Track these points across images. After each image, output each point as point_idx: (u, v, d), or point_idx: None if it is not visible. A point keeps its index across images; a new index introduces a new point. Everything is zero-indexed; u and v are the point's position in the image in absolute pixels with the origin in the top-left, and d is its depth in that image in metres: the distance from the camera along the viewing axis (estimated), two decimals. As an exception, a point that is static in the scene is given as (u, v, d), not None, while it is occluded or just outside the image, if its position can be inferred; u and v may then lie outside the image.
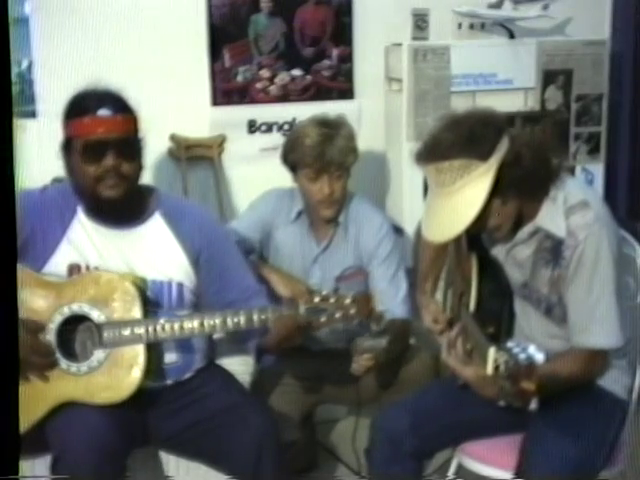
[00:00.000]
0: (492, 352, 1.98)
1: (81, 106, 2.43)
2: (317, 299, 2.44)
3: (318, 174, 2.98)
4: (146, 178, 2.62)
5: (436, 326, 2.57)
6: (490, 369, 1.98)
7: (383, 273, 3.07)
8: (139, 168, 2.51)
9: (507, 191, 2.28)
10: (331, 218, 3.08)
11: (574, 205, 2.33)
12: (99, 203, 2.48)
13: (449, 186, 2.26)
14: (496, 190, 2.25)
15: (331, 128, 3.02)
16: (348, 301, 2.43)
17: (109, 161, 2.41)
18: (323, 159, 2.96)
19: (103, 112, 2.40)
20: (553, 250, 2.37)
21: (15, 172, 2.00)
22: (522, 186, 2.29)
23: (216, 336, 2.71)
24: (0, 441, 1.93)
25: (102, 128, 2.41)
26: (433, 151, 2.30)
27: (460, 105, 3.23)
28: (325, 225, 3.12)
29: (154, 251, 2.57)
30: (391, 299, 3.01)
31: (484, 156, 2.23)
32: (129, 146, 2.46)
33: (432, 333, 2.60)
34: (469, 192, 2.24)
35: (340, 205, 3.07)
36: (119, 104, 2.45)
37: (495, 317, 2.48)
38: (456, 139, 2.25)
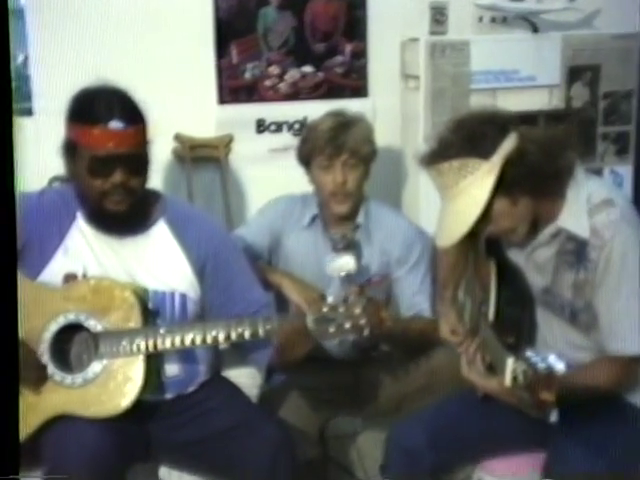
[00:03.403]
0: (510, 362, 1.99)
1: (90, 113, 2.41)
2: (325, 308, 2.41)
3: (331, 160, 2.99)
4: (149, 180, 2.59)
5: (454, 338, 2.57)
6: (508, 380, 1.99)
7: (413, 279, 3.09)
8: (146, 179, 2.51)
9: (515, 190, 2.28)
10: (344, 215, 3.06)
11: (598, 204, 2.33)
12: (103, 215, 2.49)
13: (452, 188, 2.28)
14: (503, 189, 2.26)
15: (348, 118, 3.04)
16: (358, 311, 2.40)
17: (117, 177, 2.41)
18: (336, 143, 2.97)
19: (115, 125, 2.38)
20: (577, 252, 2.36)
21: (15, 173, 1.99)
22: (530, 184, 2.29)
23: (222, 346, 2.69)
24: (0, 441, 1.95)
25: (113, 142, 2.39)
26: (434, 153, 2.32)
27: (480, 103, 3.24)
28: (343, 228, 3.10)
29: (157, 260, 2.57)
30: (421, 303, 3.04)
31: (485, 154, 2.24)
32: (139, 160, 2.46)
33: (450, 344, 2.60)
34: (472, 192, 2.26)
35: (354, 202, 3.06)
36: (131, 114, 2.43)
37: (515, 326, 2.49)
38: (456, 139, 2.28)
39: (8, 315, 1.93)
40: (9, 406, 1.95)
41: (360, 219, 3.10)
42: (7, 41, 1.93)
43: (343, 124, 3.01)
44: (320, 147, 3.00)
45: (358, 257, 3.06)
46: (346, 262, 2.92)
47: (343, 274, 2.95)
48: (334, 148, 2.98)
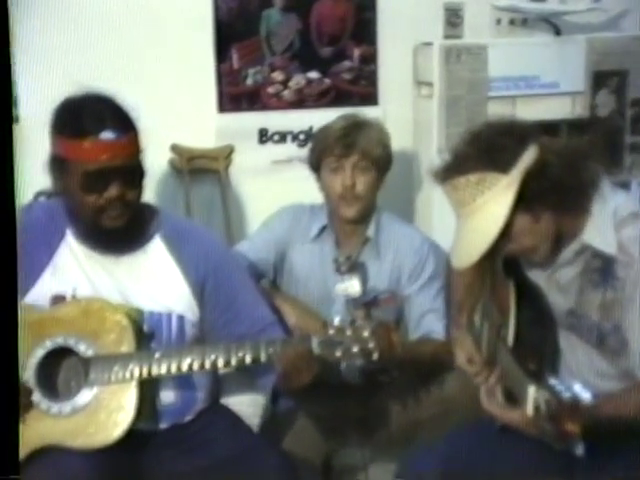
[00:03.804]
0: (532, 390, 1.98)
1: (78, 124, 2.39)
2: (331, 331, 2.42)
3: (341, 160, 3.01)
4: (144, 193, 2.58)
5: (471, 367, 2.55)
6: (530, 409, 1.98)
7: (425, 297, 3.09)
8: (142, 191, 2.51)
9: (536, 205, 2.26)
10: (353, 218, 3.07)
11: (625, 217, 2.31)
12: (98, 232, 2.49)
13: (469, 204, 2.27)
14: (523, 205, 2.24)
15: (361, 119, 3.08)
16: (366, 333, 2.40)
17: (113, 192, 2.40)
18: (346, 142, 3.00)
19: (106, 135, 2.37)
20: (603, 270, 2.33)
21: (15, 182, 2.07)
22: (553, 199, 2.27)
23: (222, 371, 2.68)
24: (0, 441, 1.99)
25: (106, 155, 2.38)
26: (449, 168, 2.31)
27: (498, 112, 3.23)
28: (352, 241, 3.12)
29: (152, 279, 2.56)
30: (433, 324, 3.04)
31: (504, 168, 2.22)
32: (134, 172, 2.46)
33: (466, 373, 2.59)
34: (490, 208, 2.24)
35: (364, 206, 3.07)
36: (122, 123, 2.43)
37: (536, 351, 2.45)
38: (473, 152, 2.26)
39: (8, 315, 2.01)
40: (9, 406, 2.00)
41: (370, 232, 3.11)
42: (7, 41, 2.03)
43: (355, 124, 3.05)
44: (330, 147, 3.03)
45: (365, 276, 3.08)
46: (350, 285, 2.95)
47: (348, 295, 2.98)
48: (344, 148, 3.01)
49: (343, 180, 3.01)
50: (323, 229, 3.14)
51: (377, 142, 3.05)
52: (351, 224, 3.10)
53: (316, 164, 3.10)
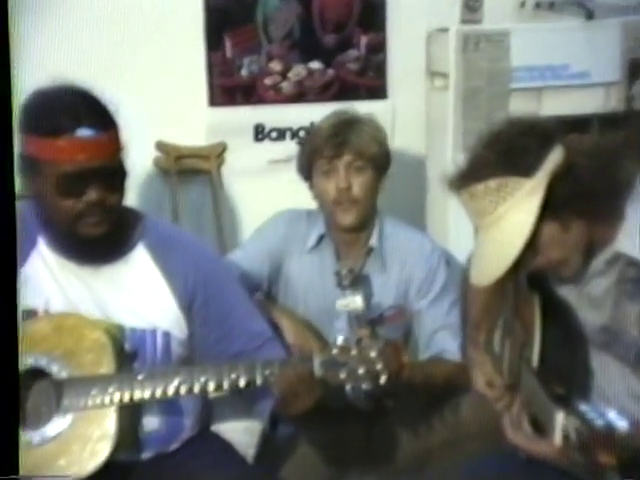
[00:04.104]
0: (560, 418, 1.98)
1: (52, 121, 2.37)
2: (335, 350, 2.41)
3: (333, 161, 3.00)
4: (126, 197, 2.56)
5: (491, 391, 2.55)
6: (558, 438, 1.98)
7: (436, 312, 3.08)
8: (124, 194, 2.50)
9: (565, 213, 2.25)
10: (351, 226, 3.05)
11: None
12: (74, 240, 2.47)
13: (490, 214, 2.25)
14: (550, 212, 2.22)
15: (352, 115, 3.07)
16: (374, 354, 2.39)
17: (92, 195, 2.38)
18: (337, 140, 2.98)
19: (83, 132, 2.34)
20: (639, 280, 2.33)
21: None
22: (584, 205, 2.25)
23: (213, 395, 2.65)
24: (0, 442, 2.03)
25: (83, 154, 2.36)
26: (466, 174, 2.30)
27: (522, 107, 3.21)
28: (354, 251, 3.11)
29: (135, 292, 2.55)
30: (446, 342, 3.03)
31: (528, 171, 2.21)
32: (115, 173, 2.44)
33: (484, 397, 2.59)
34: (514, 217, 2.22)
35: (362, 212, 3.05)
36: (101, 118, 2.41)
37: (565, 374, 2.42)
38: (491, 155, 2.25)
39: (8, 315, 2.05)
40: (9, 406, 2.04)
41: (373, 241, 3.10)
42: (7, 41, 2.03)
43: (346, 121, 3.03)
44: (319, 148, 3.02)
45: (369, 290, 3.07)
46: (353, 301, 2.93)
47: (351, 312, 2.96)
48: (335, 147, 2.99)
49: (337, 183, 3.00)
50: (322, 238, 3.14)
51: (371, 139, 3.03)
52: (350, 232, 3.09)
53: (307, 169, 3.10)
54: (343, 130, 3.00)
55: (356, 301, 2.93)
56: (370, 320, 3.03)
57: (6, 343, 2.05)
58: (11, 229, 2.05)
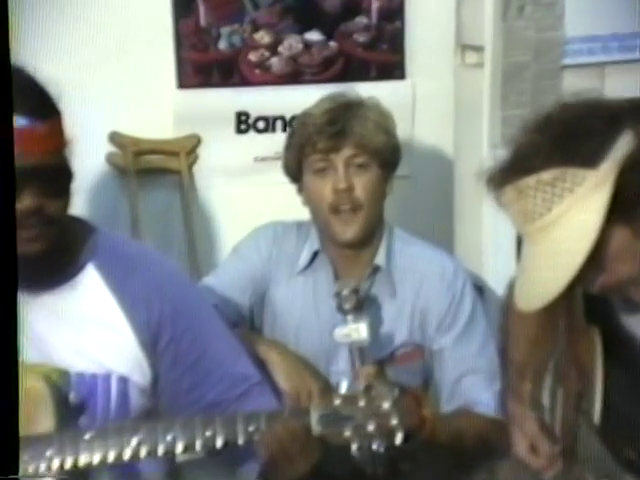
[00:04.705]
0: None
1: None
2: (337, 400, 2.34)
3: (328, 156, 2.96)
4: (71, 204, 2.51)
5: (536, 459, 2.55)
6: None
7: (462, 352, 3.05)
8: (68, 201, 2.45)
9: (637, 215, 2.18)
10: (353, 241, 3.02)
11: None
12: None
13: (542, 217, 2.19)
14: (620, 214, 2.15)
15: (352, 99, 3.04)
16: (387, 405, 2.33)
17: (27, 202, 2.32)
18: (334, 129, 2.94)
19: (17, 122, 2.26)
20: None
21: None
22: None
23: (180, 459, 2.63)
24: (0, 442, 2.03)
25: (16, 149, 2.24)
26: (509, 166, 2.25)
27: (579, 87, 3.15)
28: (355, 271, 3.07)
29: (84, 326, 2.51)
30: (476, 390, 3.02)
31: (591, 161, 2.15)
32: (56, 173, 2.39)
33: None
34: (574, 219, 2.16)
35: (367, 221, 3.01)
36: (39, 104, 2.35)
37: (636, 431, 2.39)
38: (544, 141, 2.20)
39: (8, 316, 2.01)
40: (9, 406, 2.02)
41: (379, 259, 3.08)
42: (7, 41, 1.95)
43: (345, 106, 3.01)
44: (311, 140, 2.98)
45: (377, 321, 3.05)
46: (355, 330, 2.88)
47: (353, 344, 2.94)
48: (331, 139, 2.95)
49: (334, 184, 2.97)
50: (315, 255, 3.13)
51: (376, 127, 3.01)
52: (351, 248, 3.06)
53: (295, 167, 3.08)
54: (341, 117, 2.98)
55: (359, 330, 2.88)
56: (379, 360, 3.02)
57: (6, 343, 2.04)
58: (11, 229, 2.02)
